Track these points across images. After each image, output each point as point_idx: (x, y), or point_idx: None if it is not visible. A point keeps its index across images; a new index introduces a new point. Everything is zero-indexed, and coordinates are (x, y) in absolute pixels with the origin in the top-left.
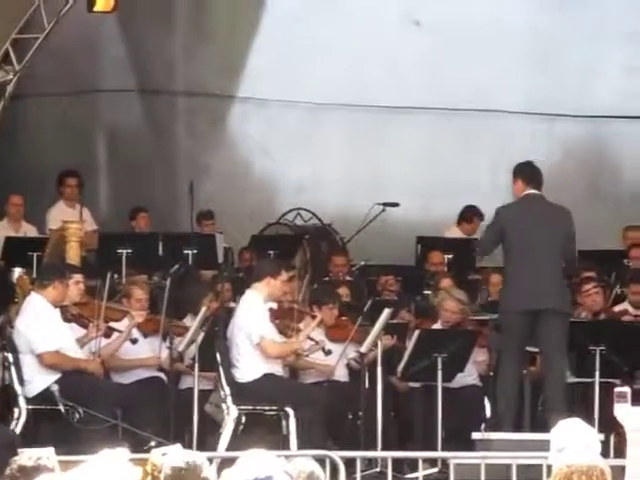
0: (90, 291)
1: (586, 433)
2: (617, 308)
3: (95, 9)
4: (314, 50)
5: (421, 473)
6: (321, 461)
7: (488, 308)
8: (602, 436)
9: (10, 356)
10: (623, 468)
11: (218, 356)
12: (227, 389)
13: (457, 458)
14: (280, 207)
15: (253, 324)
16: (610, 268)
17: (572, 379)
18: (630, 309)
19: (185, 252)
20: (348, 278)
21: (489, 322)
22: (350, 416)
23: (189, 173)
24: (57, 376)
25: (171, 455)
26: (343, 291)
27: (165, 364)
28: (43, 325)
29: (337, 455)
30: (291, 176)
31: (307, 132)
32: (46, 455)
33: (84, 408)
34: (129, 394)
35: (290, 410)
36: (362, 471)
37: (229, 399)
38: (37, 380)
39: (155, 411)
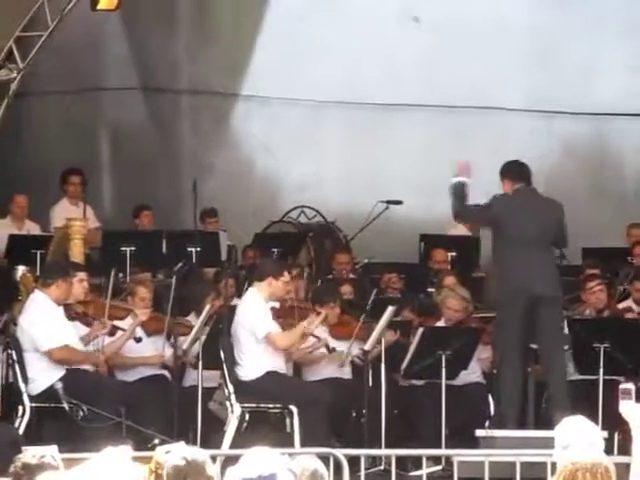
0: (94, 289)
1: (590, 430)
2: (621, 305)
3: (99, 7)
4: (315, 48)
5: (425, 471)
6: (325, 459)
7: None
8: (606, 433)
9: (14, 354)
10: (628, 465)
11: (222, 354)
12: (231, 387)
13: (461, 456)
14: (283, 205)
15: (256, 321)
16: (614, 265)
17: (576, 376)
18: (634, 306)
19: (189, 250)
20: (351, 276)
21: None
22: (354, 414)
23: (193, 171)
24: (61, 374)
25: (175, 453)
26: (346, 289)
27: (169, 361)
28: (47, 322)
29: (341, 453)
30: (294, 174)
31: (309, 130)
32: (50, 453)
33: (88, 406)
34: (133, 392)
35: (294, 408)
36: (366, 469)
37: (233, 397)
38: (41, 378)
39: (159, 409)
